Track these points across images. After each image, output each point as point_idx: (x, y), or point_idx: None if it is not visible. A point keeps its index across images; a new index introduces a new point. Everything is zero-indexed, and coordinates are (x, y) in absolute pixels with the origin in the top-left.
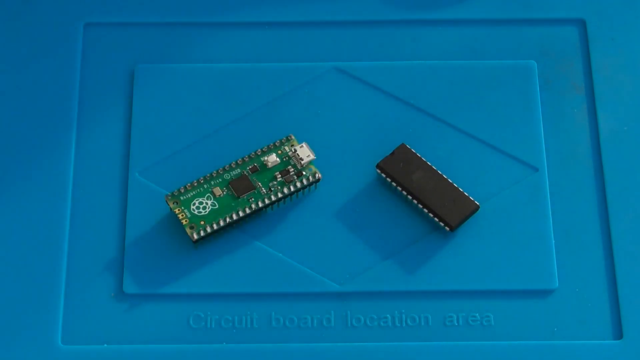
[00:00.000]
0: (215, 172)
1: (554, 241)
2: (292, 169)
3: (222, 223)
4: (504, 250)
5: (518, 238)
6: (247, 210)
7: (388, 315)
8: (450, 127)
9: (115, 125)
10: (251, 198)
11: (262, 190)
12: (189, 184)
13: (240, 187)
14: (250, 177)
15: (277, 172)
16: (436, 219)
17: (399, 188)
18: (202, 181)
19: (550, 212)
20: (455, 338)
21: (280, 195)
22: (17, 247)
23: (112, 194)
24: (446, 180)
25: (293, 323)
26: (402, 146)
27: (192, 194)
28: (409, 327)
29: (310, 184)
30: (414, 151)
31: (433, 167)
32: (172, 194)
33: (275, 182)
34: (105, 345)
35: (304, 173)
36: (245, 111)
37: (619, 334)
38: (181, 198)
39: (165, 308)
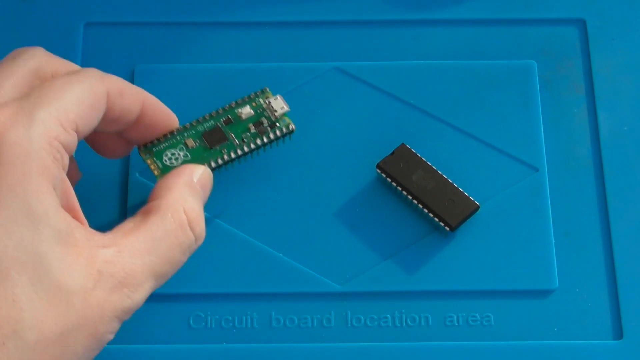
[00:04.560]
0: (188, 124)
1: (554, 241)
2: (266, 121)
3: None
4: (504, 250)
5: (518, 238)
6: (220, 161)
7: (388, 315)
8: (450, 127)
9: None
10: (224, 149)
11: (234, 141)
12: (162, 136)
13: (213, 139)
14: (223, 128)
15: (251, 124)
16: (436, 219)
17: (399, 188)
18: (175, 132)
19: (550, 212)
20: (455, 338)
21: (253, 146)
22: None
23: (112, 194)
24: (446, 180)
25: (293, 323)
26: (402, 146)
27: (164, 145)
28: (409, 327)
29: (284, 135)
30: (414, 151)
31: (433, 167)
32: (145, 145)
33: (248, 134)
34: (105, 345)
35: (277, 125)
36: None
37: (619, 334)
38: (154, 149)
39: (165, 308)
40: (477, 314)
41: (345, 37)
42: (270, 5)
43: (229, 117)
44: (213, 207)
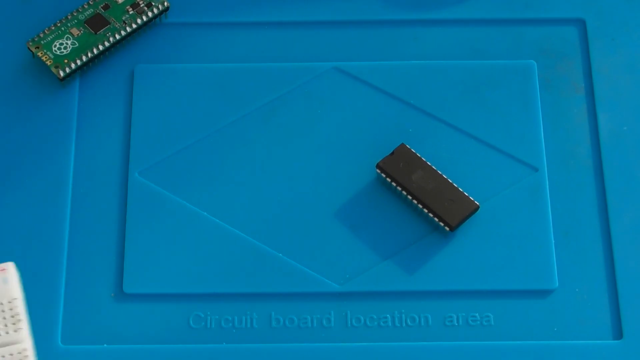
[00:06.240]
0: (69, 14)
1: (553, 241)
2: (142, 2)
3: (84, 58)
4: (504, 250)
5: (518, 238)
6: (107, 44)
7: (388, 315)
8: (450, 127)
9: (115, 125)
10: (108, 32)
11: (116, 24)
12: (46, 29)
13: (96, 24)
14: (103, 14)
15: (128, 6)
16: (436, 219)
17: (399, 188)
18: (58, 24)
19: (550, 212)
20: (455, 338)
21: (134, 25)
22: (17, 247)
23: (112, 194)
24: (446, 180)
25: (293, 323)
26: (402, 146)
27: (51, 37)
28: (409, 327)
29: (160, 13)
30: (414, 151)
31: (433, 167)
32: (33, 39)
33: (127, 16)
34: (105, 345)
35: (153, 3)
36: (245, 111)
37: (619, 334)
38: (42, 42)
39: (165, 308)
40: (477, 314)
41: (345, 37)
42: (270, 5)
43: (107, 3)
44: (213, 207)
